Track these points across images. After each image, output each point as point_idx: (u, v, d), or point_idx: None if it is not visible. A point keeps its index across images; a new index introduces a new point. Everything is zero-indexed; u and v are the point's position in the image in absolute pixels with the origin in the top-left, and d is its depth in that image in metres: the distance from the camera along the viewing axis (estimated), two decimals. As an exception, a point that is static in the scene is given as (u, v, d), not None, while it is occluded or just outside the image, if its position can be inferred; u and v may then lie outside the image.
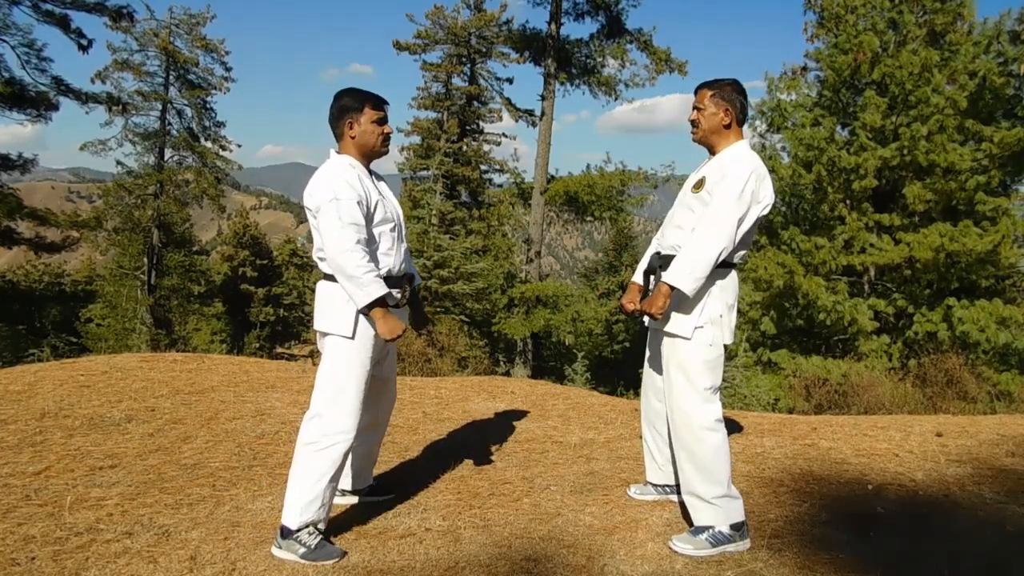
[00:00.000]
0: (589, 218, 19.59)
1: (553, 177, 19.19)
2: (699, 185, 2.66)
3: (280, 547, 2.47)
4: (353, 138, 2.56)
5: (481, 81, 25.17)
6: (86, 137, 25.18)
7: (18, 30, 17.01)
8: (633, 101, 19.41)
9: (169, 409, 4.28)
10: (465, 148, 24.75)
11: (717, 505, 2.55)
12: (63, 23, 17.79)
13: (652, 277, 2.84)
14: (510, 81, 25.09)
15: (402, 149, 26.76)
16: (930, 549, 2.61)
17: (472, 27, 24.09)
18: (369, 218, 2.50)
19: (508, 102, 22.66)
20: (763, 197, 2.58)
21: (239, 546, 2.52)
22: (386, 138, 2.63)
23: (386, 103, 2.62)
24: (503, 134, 26.33)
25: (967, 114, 11.98)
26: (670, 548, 2.56)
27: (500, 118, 25.63)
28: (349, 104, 2.56)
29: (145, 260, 25.87)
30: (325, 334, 2.55)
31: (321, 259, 2.52)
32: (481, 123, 25.93)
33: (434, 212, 17.98)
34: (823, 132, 12.58)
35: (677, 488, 2.97)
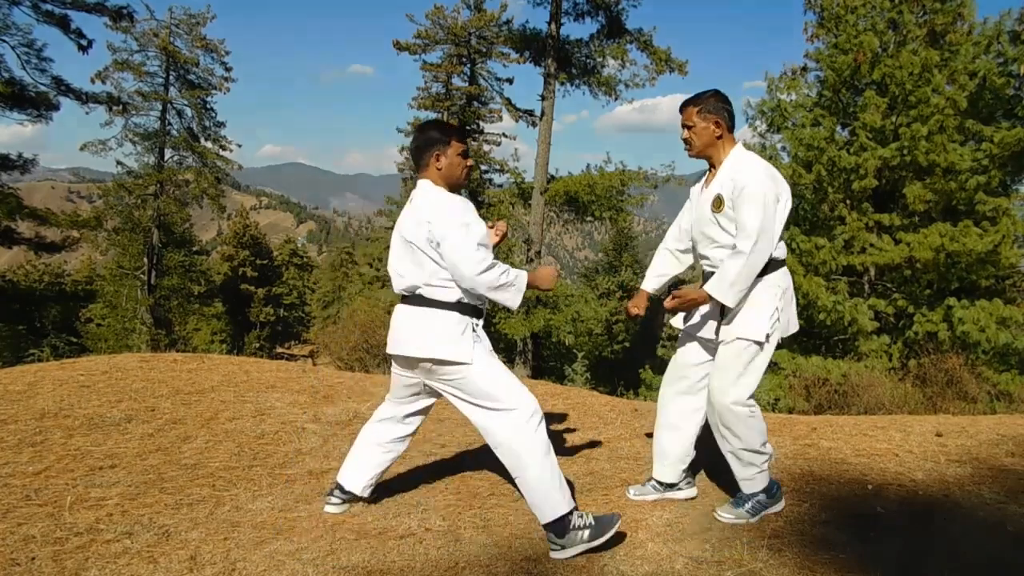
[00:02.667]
0: (589, 218, 19.59)
1: (553, 177, 19.20)
2: (718, 204, 2.69)
3: (563, 547, 2.47)
4: (439, 170, 2.63)
5: (481, 81, 25.18)
6: (86, 137, 25.25)
7: (18, 30, 17.03)
8: (633, 101, 19.42)
9: (169, 409, 4.28)
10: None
11: (764, 470, 2.77)
12: (63, 23, 17.80)
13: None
14: (510, 81, 25.12)
15: (402, 149, 26.78)
16: (930, 549, 2.61)
17: (472, 27, 24.10)
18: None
19: (508, 102, 22.66)
20: (782, 195, 2.66)
21: (239, 546, 2.52)
22: (469, 171, 2.73)
23: (469, 136, 2.69)
24: (503, 134, 26.35)
25: (967, 114, 11.98)
26: (715, 517, 2.79)
27: (500, 118, 25.66)
28: (437, 137, 2.63)
29: (145, 260, 25.89)
30: (449, 363, 2.53)
31: (437, 286, 2.54)
32: (481, 123, 25.94)
33: (434, 212, 17.97)
34: (823, 132, 12.58)
35: (674, 486, 3.03)
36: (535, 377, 16.64)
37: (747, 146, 2.82)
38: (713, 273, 2.74)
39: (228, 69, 27.27)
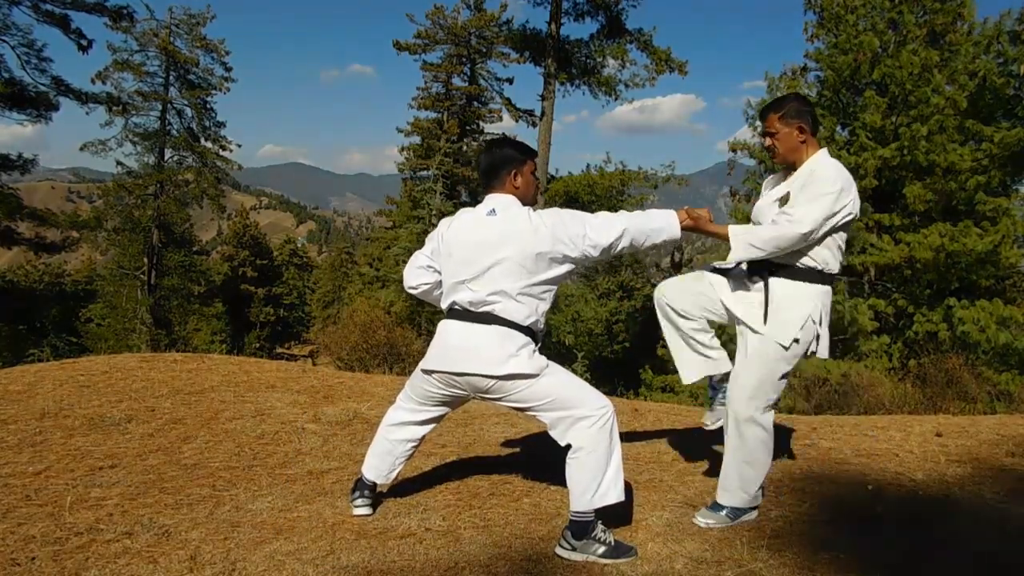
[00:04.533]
0: (589, 218, 19.55)
1: (553, 177, 19.21)
2: (786, 201, 2.66)
3: (572, 549, 2.44)
4: (517, 188, 2.63)
5: (481, 81, 25.18)
6: (86, 137, 25.26)
7: (18, 30, 17.06)
8: (633, 101, 19.46)
9: (169, 409, 4.28)
10: (465, 148, 24.75)
11: (748, 495, 2.73)
12: (63, 23, 17.82)
13: (754, 277, 2.76)
14: (510, 81, 25.14)
15: (402, 149, 26.78)
16: (930, 549, 2.61)
17: (472, 27, 24.11)
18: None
19: (508, 102, 22.69)
20: (849, 202, 2.58)
21: (239, 546, 2.52)
22: (538, 190, 2.78)
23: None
24: (503, 134, 26.30)
25: (967, 114, 11.98)
26: (694, 522, 2.75)
27: (500, 118, 25.67)
28: (514, 155, 2.64)
29: (145, 260, 25.89)
30: (528, 376, 2.50)
31: (521, 302, 2.50)
32: (481, 123, 25.95)
33: (434, 212, 17.99)
34: (823, 132, 12.58)
35: (722, 385, 2.95)
36: (535, 377, 16.59)
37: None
38: (774, 263, 2.69)
39: (228, 69, 27.29)
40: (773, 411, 2.72)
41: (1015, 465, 3.58)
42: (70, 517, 2.70)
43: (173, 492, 3.01)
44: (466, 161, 24.62)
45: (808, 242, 2.57)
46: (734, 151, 14.59)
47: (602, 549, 2.42)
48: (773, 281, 2.68)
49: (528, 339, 2.53)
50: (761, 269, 2.71)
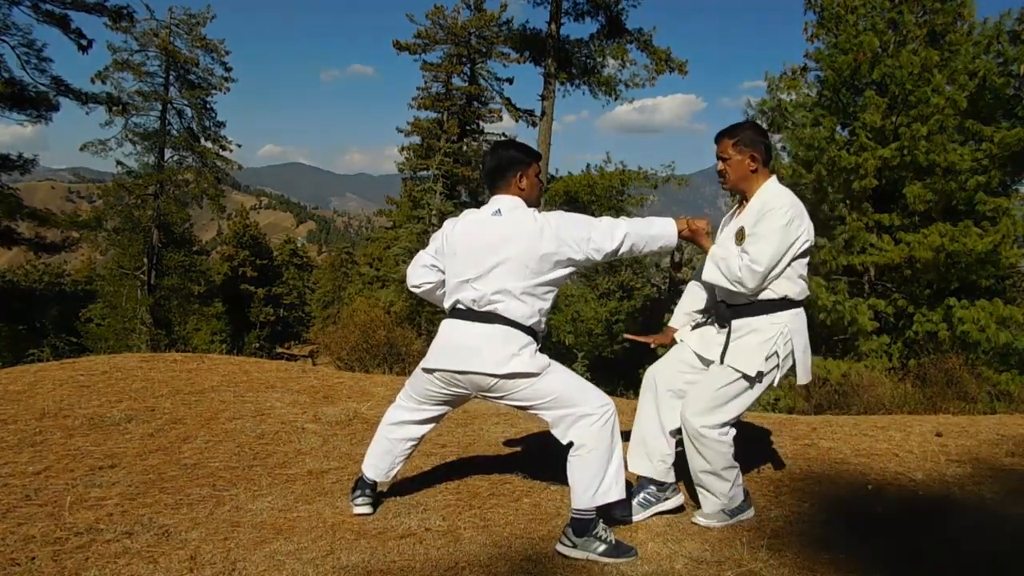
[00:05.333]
0: (589, 218, 19.57)
1: (553, 177, 19.21)
2: (741, 237, 2.69)
3: (573, 546, 2.45)
4: (522, 190, 2.64)
5: (481, 81, 25.18)
6: (86, 137, 25.27)
7: (18, 30, 17.07)
8: (633, 101, 19.45)
9: (169, 409, 4.28)
10: (465, 148, 24.74)
11: (724, 499, 2.74)
12: (63, 23, 17.82)
13: (721, 322, 2.82)
14: (510, 81, 25.13)
15: (402, 149, 26.77)
16: (930, 549, 2.61)
17: (472, 27, 24.11)
18: None
19: (508, 102, 22.69)
20: (801, 231, 2.62)
21: (239, 546, 2.52)
22: (542, 191, 2.81)
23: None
24: (503, 134, 26.34)
25: (967, 114, 11.98)
26: (693, 522, 2.77)
27: (500, 118, 25.65)
28: (519, 157, 2.65)
29: (145, 260, 25.89)
30: (530, 375, 2.51)
31: (522, 301, 2.51)
32: (481, 123, 25.94)
33: (434, 212, 17.98)
34: (823, 132, 12.58)
35: (662, 491, 2.94)
36: (535, 377, 16.59)
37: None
38: (725, 305, 2.76)
39: (228, 69, 27.29)
40: (730, 428, 2.70)
41: (1015, 465, 3.58)
42: (70, 517, 2.70)
43: (173, 492, 3.01)
44: (466, 161, 24.62)
45: (769, 280, 2.62)
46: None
47: (602, 547, 2.43)
48: (735, 323, 2.73)
49: (530, 339, 2.54)
50: (725, 310, 2.78)
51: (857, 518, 2.87)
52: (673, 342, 2.98)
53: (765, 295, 2.67)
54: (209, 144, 27.12)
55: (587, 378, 3.11)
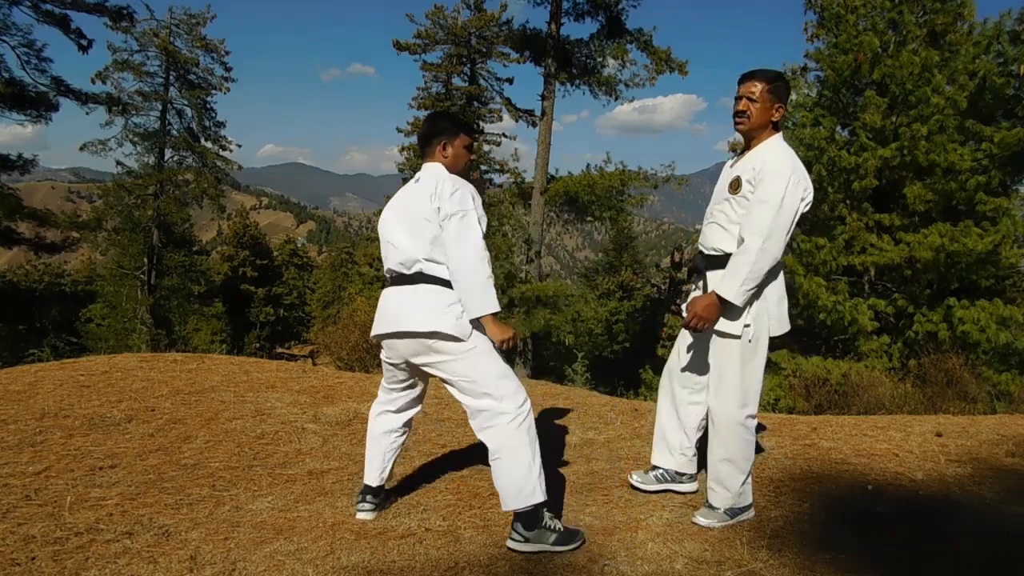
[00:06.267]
0: (589, 218, 19.59)
1: (553, 177, 19.19)
2: (735, 186, 2.66)
3: (526, 540, 2.49)
4: (446, 158, 2.68)
5: (481, 81, 25.18)
6: (86, 137, 25.25)
7: (18, 30, 17.05)
8: (633, 101, 19.41)
9: (169, 409, 4.28)
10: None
11: (735, 494, 2.73)
12: (63, 23, 17.81)
13: (696, 275, 2.83)
14: (510, 81, 25.13)
15: (402, 149, 26.76)
16: (930, 549, 2.61)
17: (472, 27, 24.11)
18: None
19: (508, 102, 22.66)
20: (804, 193, 2.58)
21: (239, 546, 2.52)
22: (471, 165, 2.79)
23: (477, 132, 2.72)
24: (503, 134, 26.36)
25: (967, 114, 11.97)
26: (693, 522, 2.75)
27: (500, 118, 25.66)
28: (446, 127, 2.69)
29: (145, 260, 25.87)
30: (449, 338, 2.52)
31: (438, 262, 2.55)
32: (481, 123, 25.93)
33: (434, 212, 17.92)
34: (823, 132, 12.58)
35: (679, 476, 3.08)
36: (535, 377, 16.63)
37: None
38: (708, 256, 2.74)
39: (228, 69, 27.26)
40: (755, 418, 2.72)
41: (1015, 465, 3.58)
42: (70, 517, 2.70)
43: (173, 492, 3.01)
44: (466, 161, 24.59)
45: (782, 248, 2.56)
46: (734, 151, 14.58)
47: (554, 536, 2.49)
48: (710, 275, 2.72)
49: (456, 299, 2.55)
50: (701, 260, 2.78)
51: (857, 518, 2.87)
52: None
53: (736, 247, 2.64)
54: (209, 144, 27.10)
55: (586, 378, 3.13)
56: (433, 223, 2.52)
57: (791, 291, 12.49)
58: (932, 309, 12.11)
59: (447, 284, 2.55)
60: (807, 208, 2.62)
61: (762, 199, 2.54)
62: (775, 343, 2.91)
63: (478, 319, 2.52)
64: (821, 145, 12.32)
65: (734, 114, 2.71)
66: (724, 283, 2.58)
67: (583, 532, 2.59)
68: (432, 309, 2.53)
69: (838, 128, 13.07)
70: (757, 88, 2.64)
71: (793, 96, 13.99)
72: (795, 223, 2.59)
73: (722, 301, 2.58)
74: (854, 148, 12.32)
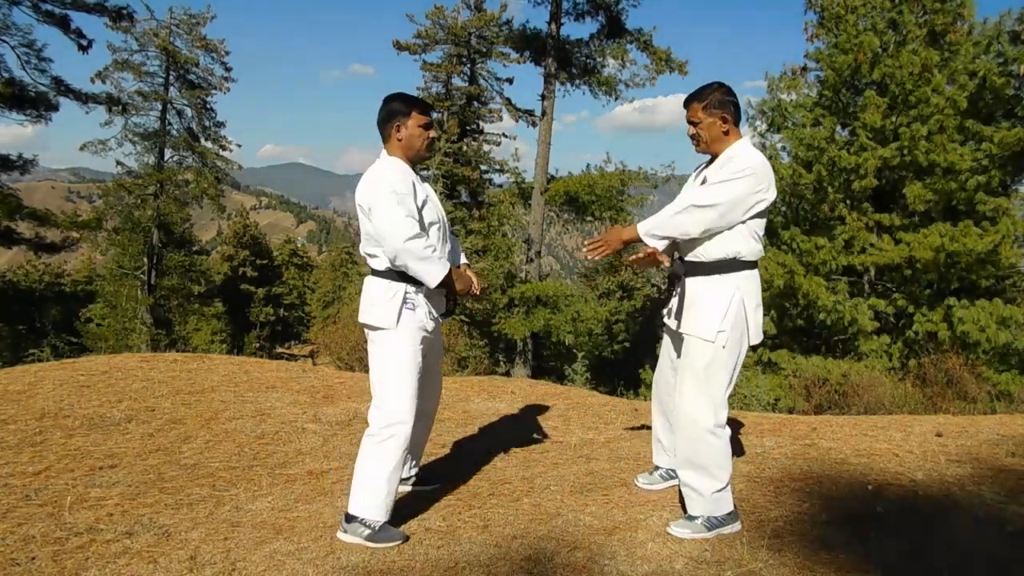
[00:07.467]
0: (589, 218, 19.59)
1: (553, 177, 19.19)
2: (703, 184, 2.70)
3: (345, 531, 2.59)
4: (400, 140, 2.68)
5: (481, 81, 25.17)
6: (86, 137, 25.18)
7: (18, 30, 17.01)
8: (633, 101, 19.40)
9: (169, 409, 4.28)
10: (465, 148, 24.75)
11: (709, 499, 2.66)
12: (63, 23, 17.78)
13: (677, 281, 2.80)
14: (510, 81, 25.11)
15: (402, 149, 26.68)
16: (930, 549, 2.61)
17: (472, 27, 24.09)
18: (419, 217, 2.63)
19: (508, 102, 22.67)
20: (759, 187, 2.56)
21: (239, 546, 2.52)
22: (431, 142, 2.76)
23: (433, 109, 2.73)
24: (503, 134, 26.33)
25: (967, 114, 11.98)
26: (668, 533, 2.67)
27: (500, 118, 25.63)
28: (398, 108, 2.68)
29: (145, 260, 25.86)
30: (373, 328, 2.65)
31: (371, 255, 2.64)
32: (481, 123, 25.93)
33: (434, 212, 17.91)
34: (823, 132, 12.59)
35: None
36: (535, 377, 16.63)
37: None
38: (687, 262, 2.71)
39: (228, 69, 27.24)
40: (725, 427, 2.66)
41: (1015, 465, 3.58)
42: (70, 517, 2.70)
43: (173, 492, 3.01)
44: (466, 161, 24.61)
45: (714, 224, 2.55)
46: (734, 151, 14.54)
47: (367, 532, 2.56)
48: (688, 281, 2.71)
49: (392, 292, 2.61)
50: (680, 266, 2.77)
51: (857, 518, 2.87)
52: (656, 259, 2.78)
53: (717, 253, 2.62)
54: (209, 144, 27.08)
55: (586, 378, 3.16)
56: (366, 219, 2.60)
57: (791, 291, 12.51)
58: (932, 309, 12.12)
59: (384, 275, 2.64)
60: (763, 208, 2.59)
61: (717, 180, 2.59)
62: (764, 345, 2.91)
63: (428, 308, 2.67)
64: (821, 145, 12.32)
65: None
66: (644, 221, 2.66)
67: (401, 534, 2.61)
68: (364, 300, 2.67)
69: (838, 128, 13.08)
70: (696, 111, 2.69)
71: (793, 96, 13.99)
72: (746, 215, 2.56)
73: (634, 241, 2.66)
74: (854, 148, 12.33)
